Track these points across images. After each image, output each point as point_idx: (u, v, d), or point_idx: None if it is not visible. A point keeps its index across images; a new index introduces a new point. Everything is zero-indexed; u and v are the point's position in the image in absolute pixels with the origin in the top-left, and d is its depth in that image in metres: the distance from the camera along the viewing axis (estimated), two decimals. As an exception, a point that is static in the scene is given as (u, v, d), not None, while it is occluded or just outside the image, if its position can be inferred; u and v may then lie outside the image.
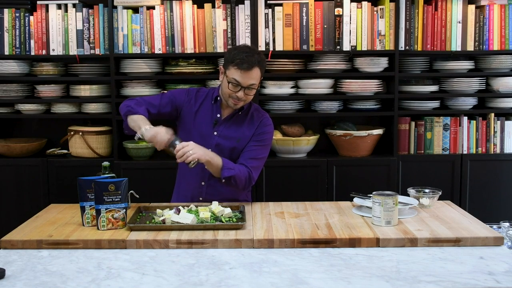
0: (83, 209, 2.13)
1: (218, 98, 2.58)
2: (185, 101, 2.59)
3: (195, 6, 3.51)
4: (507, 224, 2.30)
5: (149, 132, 2.37)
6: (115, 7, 3.49)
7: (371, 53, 3.59)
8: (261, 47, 3.50)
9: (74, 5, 3.52)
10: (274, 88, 3.56)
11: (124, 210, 2.11)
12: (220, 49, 3.49)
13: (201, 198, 2.57)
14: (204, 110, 2.58)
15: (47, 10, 3.52)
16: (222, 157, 2.46)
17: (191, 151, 2.31)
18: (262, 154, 2.57)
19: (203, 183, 2.56)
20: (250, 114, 2.58)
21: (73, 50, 3.53)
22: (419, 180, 3.39)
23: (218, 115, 2.56)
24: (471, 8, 3.57)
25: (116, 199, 2.08)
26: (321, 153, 3.71)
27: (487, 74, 3.64)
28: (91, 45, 3.53)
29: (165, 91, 2.67)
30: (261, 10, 3.49)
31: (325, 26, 3.52)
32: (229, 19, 3.49)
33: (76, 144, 3.57)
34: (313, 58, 3.62)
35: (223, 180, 2.44)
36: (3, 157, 3.59)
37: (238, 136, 2.54)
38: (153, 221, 2.16)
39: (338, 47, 3.52)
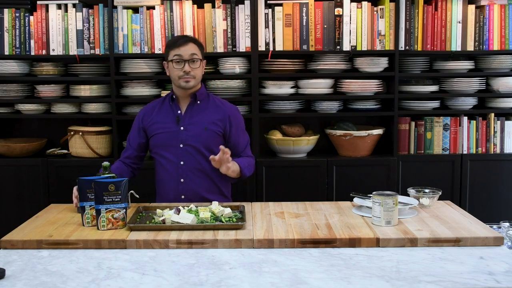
0: (83, 209, 2.13)
1: (174, 96, 2.67)
2: (144, 121, 2.69)
3: (195, 6, 3.51)
4: (507, 224, 2.30)
5: None
6: (115, 7, 3.49)
7: (371, 53, 3.59)
8: (261, 47, 3.50)
9: (74, 5, 3.52)
10: (274, 88, 3.56)
11: (124, 210, 2.11)
12: (220, 49, 3.49)
13: (183, 197, 2.62)
14: (164, 113, 2.67)
15: (47, 10, 3.52)
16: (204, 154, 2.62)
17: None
18: (246, 134, 2.73)
19: (182, 180, 2.63)
20: (211, 102, 2.68)
21: (73, 50, 3.53)
22: (419, 180, 3.39)
23: (179, 111, 2.65)
24: (471, 8, 3.57)
25: (116, 199, 2.08)
26: (321, 153, 3.71)
27: (487, 74, 3.64)
28: (91, 45, 3.53)
29: (129, 136, 2.79)
30: (261, 10, 3.49)
31: (325, 26, 3.52)
32: (229, 19, 3.49)
33: (76, 144, 3.57)
34: (313, 58, 3.62)
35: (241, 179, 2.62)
36: (3, 157, 3.59)
37: (203, 124, 2.62)
38: (153, 221, 2.16)
39: (338, 47, 3.52)
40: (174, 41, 2.61)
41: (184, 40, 2.59)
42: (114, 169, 2.61)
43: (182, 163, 2.61)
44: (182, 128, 2.62)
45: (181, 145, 2.61)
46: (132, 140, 2.72)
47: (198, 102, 2.65)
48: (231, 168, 2.48)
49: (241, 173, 2.56)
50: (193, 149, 2.60)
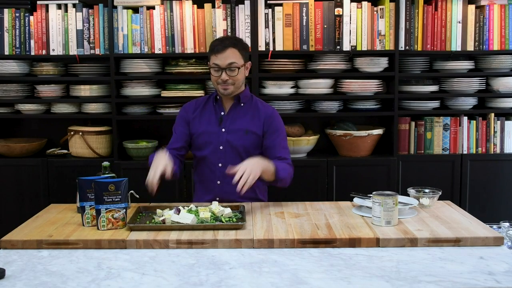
0: (83, 209, 2.13)
1: (218, 97, 2.63)
2: (188, 116, 2.65)
3: (195, 6, 3.51)
4: (507, 224, 2.30)
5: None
6: (115, 7, 3.49)
7: (371, 53, 3.59)
8: (261, 47, 3.50)
9: (74, 5, 3.52)
10: (274, 88, 3.56)
11: (124, 210, 2.11)
12: (220, 49, 3.49)
13: (218, 199, 2.56)
14: (207, 112, 2.64)
15: (47, 10, 3.52)
16: (237, 155, 2.53)
17: (248, 174, 2.24)
18: (284, 139, 2.63)
19: (218, 182, 2.60)
20: (254, 105, 2.63)
21: (73, 50, 3.53)
22: (419, 180, 3.39)
23: (222, 113, 2.61)
24: (471, 8, 3.57)
25: (116, 199, 2.08)
26: (321, 153, 3.71)
27: (487, 74, 3.64)
28: (91, 45, 3.53)
29: (174, 128, 2.69)
30: (261, 10, 3.49)
31: (325, 26, 3.52)
32: (229, 19, 3.49)
33: (76, 144, 3.57)
34: (313, 58, 3.62)
35: (277, 183, 2.46)
36: (3, 157, 3.59)
37: (245, 127, 2.58)
38: (153, 221, 2.16)
39: (338, 47, 3.52)
40: (214, 46, 2.53)
41: (222, 46, 2.50)
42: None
43: (220, 165, 2.58)
44: (223, 129, 2.59)
45: (221, 147, 2.58)
46: (179, 132, 2.65)
47: (242, 104, 2.61)
48: (250, 181, 2.25)
49: (277, 175, 2.42)
50: (233, 151, 2.58)
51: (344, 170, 3.52)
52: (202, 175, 2.65)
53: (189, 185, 3.38)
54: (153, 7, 3.51)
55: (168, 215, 2.14)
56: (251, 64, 2.67)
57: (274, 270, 1.74)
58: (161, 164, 2.31)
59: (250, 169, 2.25)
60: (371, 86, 3.55)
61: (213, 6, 3.50)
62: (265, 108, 2.64)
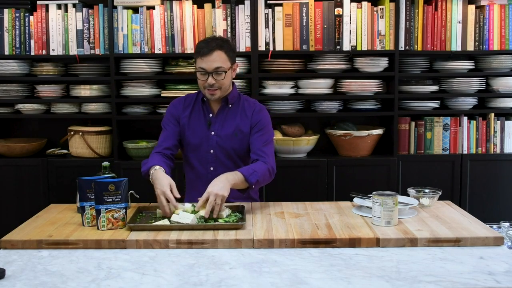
0: (83, 209, 2.13)
1: (205, 98, 2.59)
2: (178, 112, 2.61)
3: (195, 6, 3.51)
4: (507, 224, 2.30)
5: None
6: (115, 7, 3.49)
7: (371, 53, 3.59)
8: (261, 47, 3.50)
9: (74, 5, 3.52)
10: (274, 88, 3.56)
11: (124, 210, 2.11)
12: (220, 49, 3.48)
13: None
14: (196, 114, 2.60)
15: (47, 10, 3.52)
16: (236, 167, 2.44)
17: (216, 200, 2.16)
18: (269, 138, 2.55)
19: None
20: (241, 106, 2.59)
21: (73, 50, 3.53)
22: (419, 180, 3.39)
23: (210, 115, 2.58)
24: (471, 8, 3.57)
25: (116, 199, 2.08)
26: (321, 153, 3.71)
27: (487, 74, 3.64)
28: (91, 45, 3.53)
29: (164, 124, 2.65)
30: (261, 10, 3.49)
31: (325, 26, 3.52)
32: (229, 19, 3.50)
33: (76, 144, 3.57)
34: (313, 58, 3.62)
35: (253, 187, 2.38)
36: (3, 157, 3.59)
37: (234, 130, 2.55)
38: (156, 217, 2.18)
39: (338, 47, 3.52)
40: (200, 48, 2.45)
41: (208, 49, 2.42)
42: (160, 163, 2.42)
43: (212, 168, 2.56)
44: (212, 133, 2.56)
45: (212, 151, 2.56)
46: (170, 129, 2.59)
47: (230, 105, 2.57)
48: (217, 207, 2.18)
49: (248, 182, 2.34)
50: (224, 155, 2.55)
51: (344, 170, 3.52)
52: (194, 177, 2.63)
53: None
54: (153, 7, 3.51)
55: (181, 208, 2.16)
56: (238, 65, 2.64)
57: (274, 270, 1.74)
58: (166, 185, 2.24)
59: (215, 194, 2.16)
60: (371, 86, 3.55)
61: (213, 6, 3.50)
62: (253, 105, 2.60)
